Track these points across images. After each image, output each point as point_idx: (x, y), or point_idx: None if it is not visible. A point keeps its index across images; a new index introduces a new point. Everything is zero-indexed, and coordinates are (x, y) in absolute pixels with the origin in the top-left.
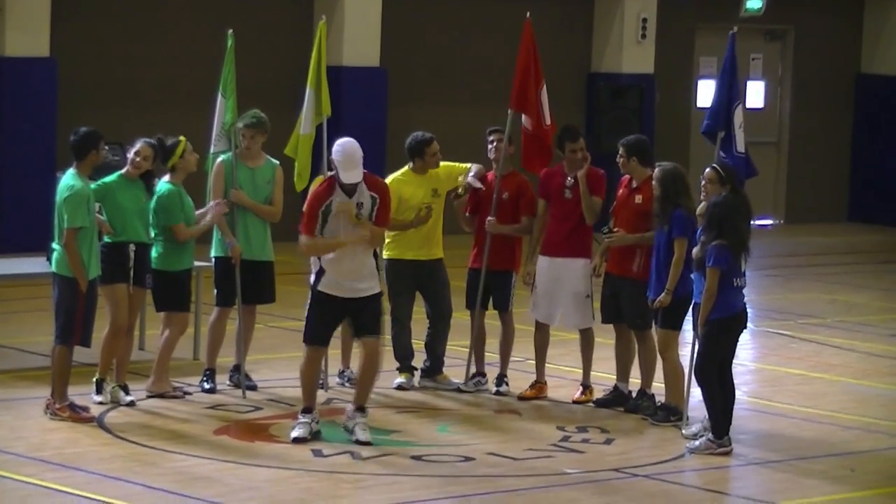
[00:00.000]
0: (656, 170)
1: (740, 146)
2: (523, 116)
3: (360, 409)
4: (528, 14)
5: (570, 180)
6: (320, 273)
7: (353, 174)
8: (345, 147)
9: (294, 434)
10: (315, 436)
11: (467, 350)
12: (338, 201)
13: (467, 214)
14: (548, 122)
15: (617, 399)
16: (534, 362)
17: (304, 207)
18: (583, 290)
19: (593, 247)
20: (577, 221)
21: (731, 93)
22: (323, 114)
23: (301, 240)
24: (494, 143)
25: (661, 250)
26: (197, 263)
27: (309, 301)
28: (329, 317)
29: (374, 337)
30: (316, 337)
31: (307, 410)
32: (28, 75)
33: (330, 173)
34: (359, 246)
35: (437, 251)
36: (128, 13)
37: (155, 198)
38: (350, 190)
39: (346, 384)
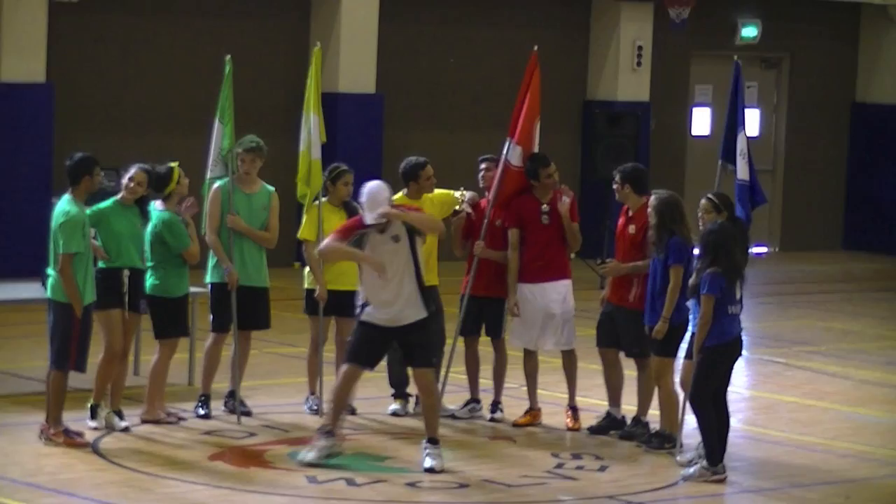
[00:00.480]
0: (652, 198)
1: (741, 174)
2: (514, 149)
3: (430, 440)
4: (535, 47)
5: (545, 206)
6: (364, 305)
7: (375, 216)
8: (370, 189)
9: (307, 458)
10: (330, 458)
11: (462, 377)
12: (370, 243)
13: (460, 240)
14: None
15: (611, 425)
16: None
17: (341, 226)
18: (568, 310)
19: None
20: (557, 245)
21: (733, 120)
22: (315, 136)
23: (325, 241)
24: (483, 172)
25: (657, 278)
26: (193, 289)
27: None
28: (373, 340)
29: (421, 368)
30: (355, 354)
31: (328, 433)
32: (24, 100)
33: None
34: (397, 275)
35: (433, 278)
36: (124, 38)
37: (158, 227)
38: (381, 226)
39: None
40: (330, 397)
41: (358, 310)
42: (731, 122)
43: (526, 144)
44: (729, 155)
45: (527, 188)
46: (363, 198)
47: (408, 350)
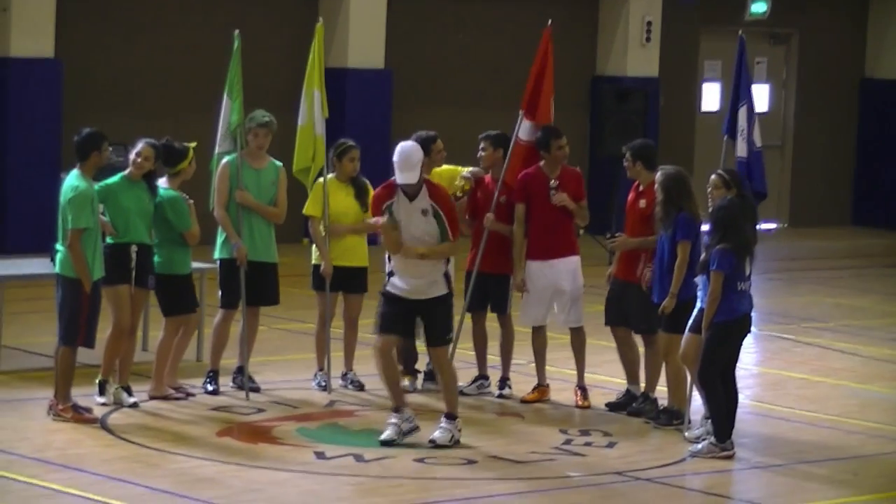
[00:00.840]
0: (658, 173)
1: (740, 151)
2: (525, 125)
3: (448, 415)
4: (549, 22)
5: (553, 182)
6: (390, 274)
7: (406, 175)
8: (402, 148)
9: (382, 437)
10: (407, 434)
11: (470, 353)
12: (394, 209)
13: (466, 217)
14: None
15: (630, 401)
16: (535, 365)
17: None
18: (577, 287)
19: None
20: (566, 221)
21: (736, 95)
22: (318, 113)
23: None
24: (480, 152)
25: (665, 254)
26: (201, 265)
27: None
28: (398, 311)
29: (440, 346)
30: (385, 325)
31: (396, 410)
32: (33, 76)
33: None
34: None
35: None
36: (133, 14)
37: (163, 205)
38: (411, 193)
39: (349, 387)
40: (381, 378)
41: (386, 278)
42: (735, 98)
43: (543, 119)
44: (733, 130)
45: (535, 163)
46: (396, 157)
47: (429, 324)
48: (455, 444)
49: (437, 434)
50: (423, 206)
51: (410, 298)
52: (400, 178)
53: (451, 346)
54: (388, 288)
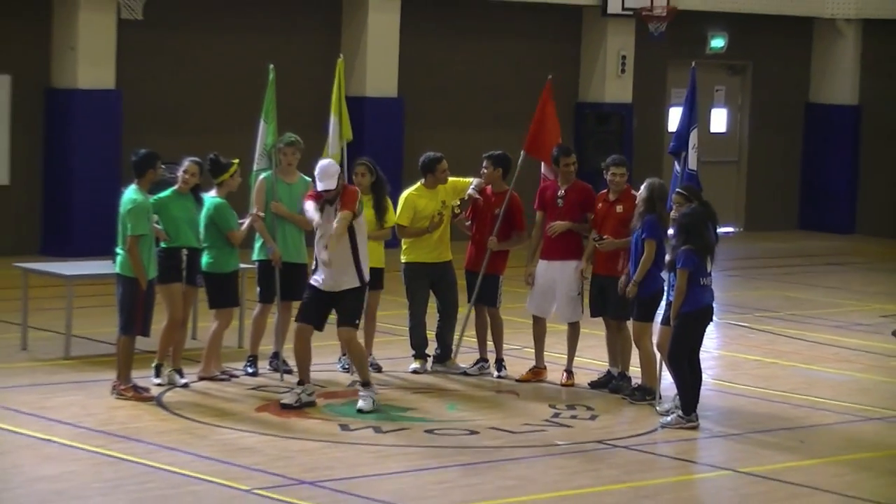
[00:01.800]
0: (648, 181)
1: (692, 164)
2: (544, 166)
3: (362, 384)
4: (549, 76)
5: (561, 192)
6: (315, 269)
7: (325, 183)
8: (321, 164)
9: (283, 401)
10: (305, 405)
11: (472, 339)
12: (325, 213)
13: (467, 222)
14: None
15: (609, 381)
16: (531, 350)
17: (309, 194)
18: (575, 288)
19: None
20: (572, 229)
21: (690, 118)
22: (344, 137)
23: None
24: (483, 168)
25: (638, 251)
26: (242, 266)
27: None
28: (316, 301)
29: (343, 327)
30: (302, 314)
31: (300, 383)
32: (97, 104)
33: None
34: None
35: (447, 254)
36: (181, 50)
37: (209, 210)
38: (330, 198)
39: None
40: (294, 357)
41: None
42: (683, 120)
43: (542, 156)
44: (678, 148)
45: (550, 182)
46: (317, 171)
47: (340, 310)
48: (378, 408)
49: (360, 404)
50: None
51: (325, 290)
52: (320, 185)
53: (459, 334)
54: (312, 281)
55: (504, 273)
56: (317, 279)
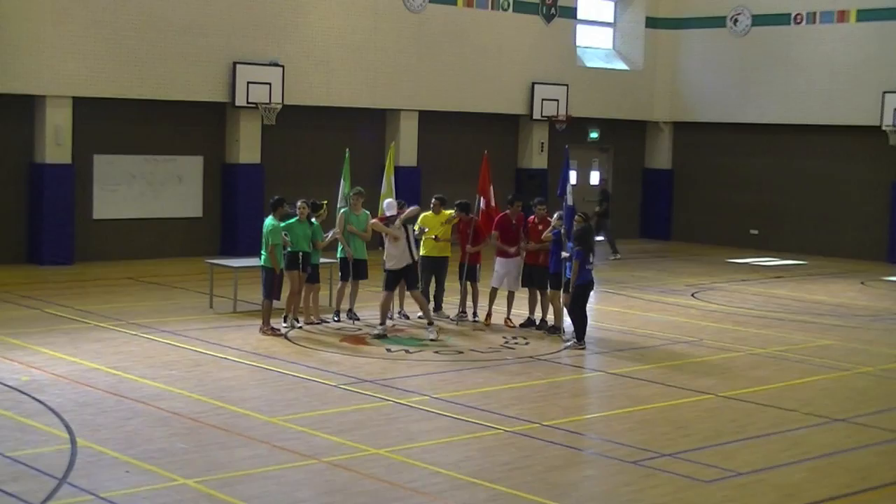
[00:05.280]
0: (557, 213)
1: (570, 202)
2: (481, 200)
3: (430, 322)
4: (485, 152)
5: (514, 222)
6: (385, 262)
7: (390, 211)
8: (387, 202)
9: (374, 332)
10: (382, 336)
11: (457, 298)
12: (392, 225)
13: (457, 237)
14: (492, 204)
15: (530, 324)
16: (486, 308)
17: (380, 218)
18: (517, 271)
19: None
20: (516, 241)
21: (566, 176)
22: (391, 188)
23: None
24: (455, 214)
25: (557, 250)
26: (331, 260)
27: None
28: (393, 278)
29: (413, 290)
30: (389, 285)
31: (381, 324)
32: (250, 172)
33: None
34: (402, 241)
35: (447, 252)
36: (296, 140)
37: (313, 230)
38: (394, 219)
39: (402, 318)
40: (380, 308)
41: (384, 264)
42: (564, 176)
43: (486, 196)
44: (562, 192)
45: (504, 214)
46: (385, 205)
47: (407, 280)
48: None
49: (429, 334)
50: (399, 224)
51: (396, 269)
52: (388, 212)
53: (461, 298)
54: (387, 267)
55: (479, 262)
56: (390, 264)
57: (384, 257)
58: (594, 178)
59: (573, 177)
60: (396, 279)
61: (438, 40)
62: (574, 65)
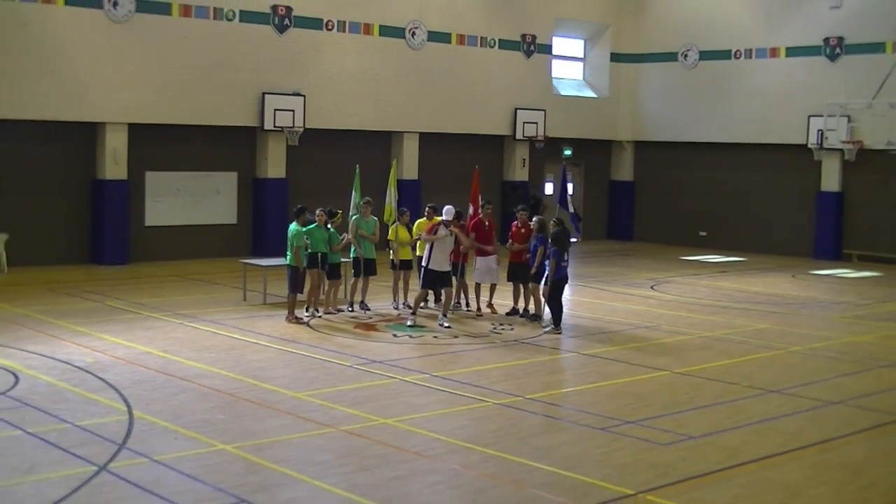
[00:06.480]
0: (536, 217)
1: (572, 210)
2: (471, 207)
3: (444, 314)
4: (476, 166)
5: (486, 224)
6: (428, 260)
7: (447, 216)
8: (446, 208)
9: (408, 322)
10: (416, 326)
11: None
12: (441, 231)
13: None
14: (479, 212)
15: (514, 313)
16: (475, 301)
17: (425, 232)
18: (495, 268)
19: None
20: (489, 241)
21: (565, 188)
22: (394, 198)
23: (423, 237)
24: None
25: (535, 250)
26: (346, 260)
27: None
28: (434, 278)
29: (447, 287)
30: (427, 284)
31: (413, 313)
32: (277, 185)
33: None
34: (447, 247)
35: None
36: (315, 158)
37: (330, 235)
38: (446, 225)
39: (404, 308)
40: (414, 302)
41: (424, 262)
42: (563, 188)
43: (475, 204)
44: (563, 203)
45: (478, 218)
46: (444, 210)
47: (443, 281)
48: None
49: (441, 323)
50: (448, 232)
51: (438, 271)
52: (445, 217)
53: (455, 290)
54: (429, 267)
55: (466, 262)
56: (433, 265)
57: (425, 257)
58: (570, 188)
59: (549, 187)
60: (435, 279)
61: (435, 73)
62: (550, 93)
